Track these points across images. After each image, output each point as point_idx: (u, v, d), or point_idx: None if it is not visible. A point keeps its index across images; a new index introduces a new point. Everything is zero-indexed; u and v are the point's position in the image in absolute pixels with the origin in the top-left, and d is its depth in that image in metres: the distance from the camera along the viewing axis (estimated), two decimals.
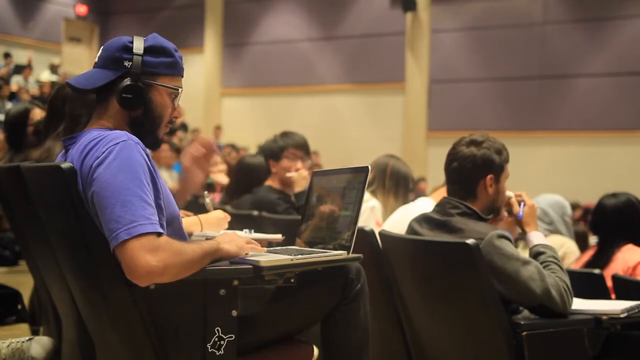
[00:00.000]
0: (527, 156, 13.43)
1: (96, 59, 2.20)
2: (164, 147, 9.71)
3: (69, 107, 3.13)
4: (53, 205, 2.12)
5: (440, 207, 2.91)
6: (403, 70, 16.27)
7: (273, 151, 4.42)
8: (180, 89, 2.24)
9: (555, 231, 4.78)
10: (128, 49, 2.13)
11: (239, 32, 18.30)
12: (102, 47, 2.21)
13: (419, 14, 16.00)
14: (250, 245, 2.15)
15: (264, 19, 18.07)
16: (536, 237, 2.88)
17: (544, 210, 4.82)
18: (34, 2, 18.42)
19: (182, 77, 2.26)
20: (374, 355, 2.40)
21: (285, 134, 4.49)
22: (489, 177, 2.80)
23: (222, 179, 10.61)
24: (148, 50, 2.15)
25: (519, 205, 2.96)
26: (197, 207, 4.37)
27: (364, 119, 16.59)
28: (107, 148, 1.96)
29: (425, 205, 3.82)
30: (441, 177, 3.14)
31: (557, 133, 14.75)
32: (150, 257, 1.84)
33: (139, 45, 2.14)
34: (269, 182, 4.48)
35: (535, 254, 2.80)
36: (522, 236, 3.07)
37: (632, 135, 14.22)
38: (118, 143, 1.97)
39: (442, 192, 3.91)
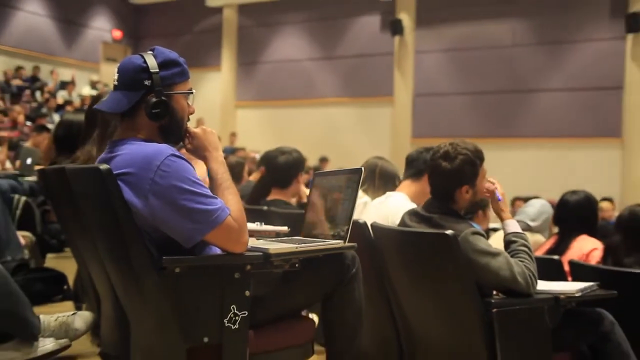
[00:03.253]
0: (497, 159, 13.31)
1: (115, 81, 2.16)
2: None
3: (101, 115, 3.15)
4: (93, 201, 2.13)
5: (426, 205, 2.90)
6: (391, 86, 16.26)
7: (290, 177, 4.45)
8: (193, 91, 2.23)
9: (538, 230, 4.78)
10: (144, 69, 2.11)
11: (250, 52, 18.29)
12: (118, 67, 2.18)
13: (405, 38, 15.99)
14: None
15: (273, 41, 18.07)
16: (511, 225, 2.87)
17: (539, 210, 4.87)
18: (76, 27, 18.41)
19: (189, 78, 2.24)
20: (367, 331, 2.41)
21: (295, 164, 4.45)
22: (463, 187, 2.79)
23: None
24: (161, 66, 2.12)
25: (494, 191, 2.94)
26: None
27: (358, 127, 16.57)
28: (160, 162, 1.99)
29: (396, 200, 3.64)
30: None
31: (523, 139, 14.76)
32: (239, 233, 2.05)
33: (152, 63, 2.11)
34: (280, 197, 4.41)
35: (508, 242, 2.80)
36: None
37: (586, 141, 14.23)
38: (167, 157, 2.00)
39: (408, 185, 3.71)
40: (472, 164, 2.78)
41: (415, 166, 3.73)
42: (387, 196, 3.77)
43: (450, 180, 2.77)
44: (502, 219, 2.89)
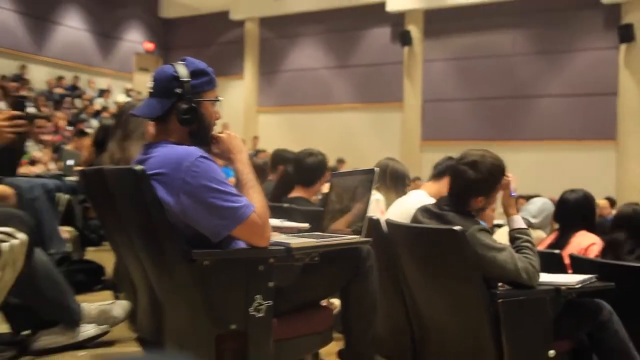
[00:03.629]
0: None
1: (150, 89, 2.17)
2: None
3: (125, 118, 3.19)
4: (128, 199, 2.14)
5: (438, 202, 2.88)
6: (401, 92, 16.20)
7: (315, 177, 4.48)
8: (220, 98, 2.24)
9: (539, 226, 4.76)
10: (176, 78, 2.11)
11: (271, 62, 18.30)
12: (152, 76, 2.19)
13: (414, 48, 15.94)
14: None
15: (291, 51, 18.07)
16: (516, 221, 2.85)
17: (540, 208, 4.86)
18: (112, 40, 18.51)
19: (217, 86, 2.24)
20: (381, 319, 2.40)
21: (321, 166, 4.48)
22: (480, 198, 2.76)
23: None
24: (191, 75, 2.13)
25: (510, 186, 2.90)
26: None
27: (370, 131, 16.54)
28: (190, 162, 2.00)
29: (417, 196, 3.79)
30: None
31: (523, 142, 14.65)
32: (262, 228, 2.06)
33: (184, 73, 2.12)
34: (303, 195, 4.43)
35: (513, 238, 2.78)
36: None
37: (582, 143, 14.12)
38: (196, 158, 2.01)
39: (429, 185, 3.90)
40: (494, 179, 2.74)
41: (438, 169, 3.92)
42: (410, 194, 3.92)
43: (470, 188, 2.73)
44: (508, 214, 2.87)
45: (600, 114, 14.01)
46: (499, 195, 2.86)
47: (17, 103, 2.64)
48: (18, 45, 16.04)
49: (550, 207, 4.84)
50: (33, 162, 5.97)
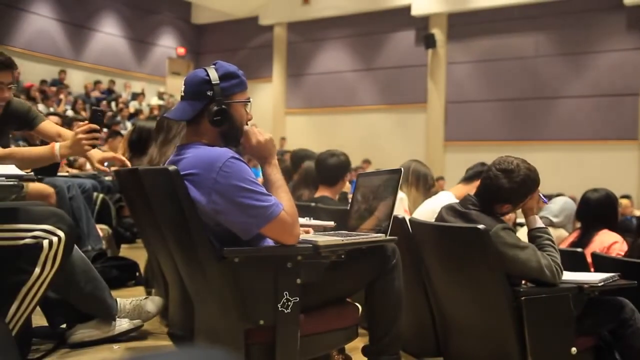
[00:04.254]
0: None
1: (182, 92, 2.17)
2: None
3: (167, 123, 3.22)
4: (162, 197, 2.14)
5: (463, 201, 2.85)
6: (425, 94, 16.14)
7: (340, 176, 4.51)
8: (250, 99, 2.23)
9: (560, 225, 4.70)
10: (207, 81, 2.11)
11: (298, 65, 18.35)
12: (185, 79, 2.19)
13: (437, 50, 15.87)
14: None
15: (318, 55, 18.09)
16: (534, 221, 2.82)
17: (561, 207, 4.82)
18: (146, 46, 18.71)
19: (247, 88, 2.23)
20: (405, 316, 2.38)
21: (342, 165, 4.52)
22: (505, 205, 2.72)
23: None
24: (222, 78, 2.12)
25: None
26: None
27: (395, 131, 16.49)
28: (222, 163, 2.00)
29: (444, 197, 3.81)
30: (455, 176, 3.11)
31: (546, 142, 14.51)
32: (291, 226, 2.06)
33: (214, 76, 2.11)
34: (327, 194, 4.44)
35: (533, 237, 2.75)
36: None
37: (604, 143, 13.97)
38: (227, 159, 2.01)
39: (459, 188, 3.92)
40: (526, 190, 2.68)
41: (469, 174, 3.97)
42: (437, 195, 3.97)
43: (500, 194, 2.68)
44: (528, 215, 2.83)
45: (622, 115, 13.84)
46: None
47: (95, 116, 2.62)
48: (58, 51, 16.35)
49: (572, 206, 4.77)
50: (70, 163, 6.05)
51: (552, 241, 2.71)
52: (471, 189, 3.54)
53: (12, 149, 2.66)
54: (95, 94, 16.05)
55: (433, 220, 3.03)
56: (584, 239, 3.88)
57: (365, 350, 2.33)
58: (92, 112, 2.65)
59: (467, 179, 3.93)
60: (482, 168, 3.65)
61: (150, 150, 3.32)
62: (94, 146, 2.59)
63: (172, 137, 3.22)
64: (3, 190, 1.92)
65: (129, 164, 3.27)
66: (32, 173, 2.48)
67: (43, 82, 14.51)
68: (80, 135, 2.52)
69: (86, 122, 2.59)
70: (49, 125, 3.15)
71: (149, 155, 3.31)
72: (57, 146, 2.60)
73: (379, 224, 2.34)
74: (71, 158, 5.98)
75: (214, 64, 2.18)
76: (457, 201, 3.14)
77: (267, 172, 2.19)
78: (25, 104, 3.20)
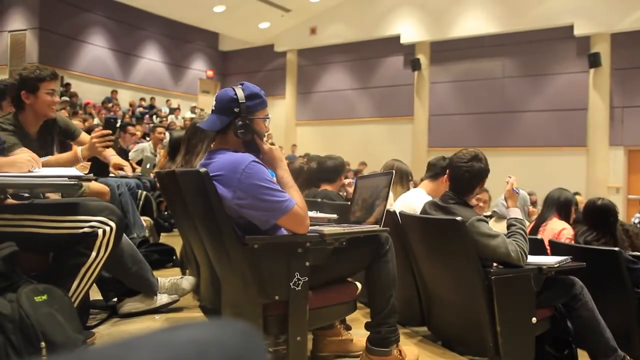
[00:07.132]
0: (492, 164, 13.06)
1: (213, 107, 2.16)
2: None
3: (191, 132, 3.24)
4: (194, 194, 2.15)
5: (443, 197, 2.86)
6: (412, 108, 16.09)
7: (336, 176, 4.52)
8: (269, 116, 2.23)
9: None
10: (235, 99, 2.11)
11: (307, 85, 18.32)
12: (216, 96, 2.18)
13: (422, 72, 15.83)
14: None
15: (323, 76, 18.06)
16: (513, 212, 2.82)
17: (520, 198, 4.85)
18: (181, 69, 18.73)
19: (267, 106, 2.22)
20: (397, 292, 2.38)
21: (339, 166, 4.56)
22: (471, 194, 2.76)
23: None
24: (247, 97, 2.12)
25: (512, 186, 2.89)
26: None
27: (387, 139, 16.45)
28: (245, 166, 2.00)
29: (416, 192, 3.73)
30: None
31: (511, 148, 14.47)
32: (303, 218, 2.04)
33: (241, 95, 2.10)
34: (330, 188, 4.47)
35: (509, 225, 2.76)
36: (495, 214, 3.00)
37: (559, 149, 13.91)
38: (249, 162, 2.01)
39: (426, 184, 3.78)
40: (487, 170, 2.77)
41: (434, 170, 3.79)
42: (411, 191, 3.85)
43: (471, 180, 2.73)
44: (508, 206, 2.86)
45: (573, 126, 13.84)
46: (505, 190, 2.86)
47: (108, 123, 2.67)
48: (110, 74, 16.44)
49: (525, 198, 4.88)
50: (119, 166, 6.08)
51: (524, 230, 2.71)
52: (438, 184, 3.52)
53: (48, 158, 2.70)
54: (140, 109, 16.08)
55: (408, 211, 3.04)
56: (538, 225, 3.96)
57: (367, 325, 2.32)
58: (106, 120, 2.69)
59: (433, 176, 3.75)
60: (444, 163, 3.60)
61: (179, 159, 3.34)
62: (107, 147, 2.64)
63: (196, 153, 3.25)
64: (67, 188, 1.93)
65: (131, 171, 3.34)
66: (90, 174, 2.49)
67: (104, 102, 14.74)
68: (95, 140, 2.58)
69: (100, 128, 2.63)
70: (85, 135, 3.19)
71: (177, 163, 3.32)
72: (79, 150, 2.66)
73: (375, 217, 2.34)
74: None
75: (241, 84, 2.17)
76: (428, 197, 3.14)
77: (279, 174, 2.19)
78: (67, 119, 3.25)
